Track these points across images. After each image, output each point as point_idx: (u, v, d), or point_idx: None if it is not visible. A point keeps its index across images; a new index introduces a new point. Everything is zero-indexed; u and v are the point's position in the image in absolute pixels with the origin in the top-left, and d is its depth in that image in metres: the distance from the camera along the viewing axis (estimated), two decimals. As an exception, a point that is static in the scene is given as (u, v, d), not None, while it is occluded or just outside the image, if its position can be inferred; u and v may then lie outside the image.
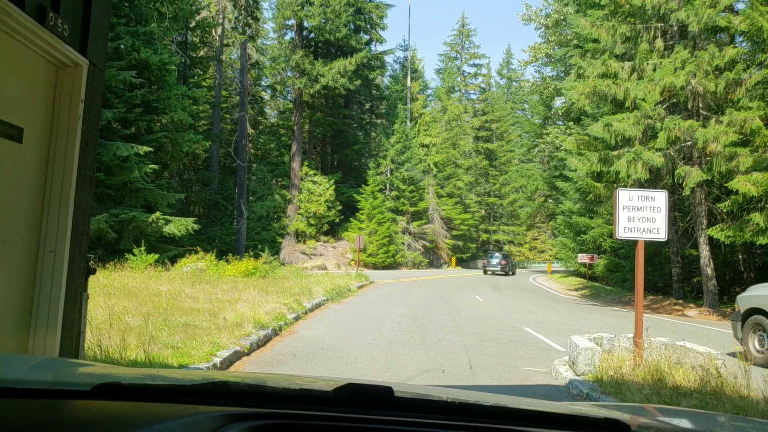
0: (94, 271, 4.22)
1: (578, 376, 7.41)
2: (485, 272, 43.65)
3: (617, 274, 29.48)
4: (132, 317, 9.01)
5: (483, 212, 62.75)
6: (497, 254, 44.91)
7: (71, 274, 3.74)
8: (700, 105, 18.68)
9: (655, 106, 18.30)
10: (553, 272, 49.51)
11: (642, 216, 7.83)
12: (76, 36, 3.70)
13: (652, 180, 19.95)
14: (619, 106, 19.68)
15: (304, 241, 42.99)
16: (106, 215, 20.14)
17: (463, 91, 69.35)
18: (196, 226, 24.06)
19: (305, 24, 43.26)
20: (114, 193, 21.61)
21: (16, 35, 3.21)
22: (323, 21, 41.47)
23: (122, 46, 22.23)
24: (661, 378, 6.59)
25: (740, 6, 18.72)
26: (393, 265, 43.50)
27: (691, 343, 8.16)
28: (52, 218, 3.66)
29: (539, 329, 12.68)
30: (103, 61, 4.15)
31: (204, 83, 39.77)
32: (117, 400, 1.09)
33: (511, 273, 44.81)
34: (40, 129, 3.60)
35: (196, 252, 22.98)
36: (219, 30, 38.41)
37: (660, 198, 7.92)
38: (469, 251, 57.53)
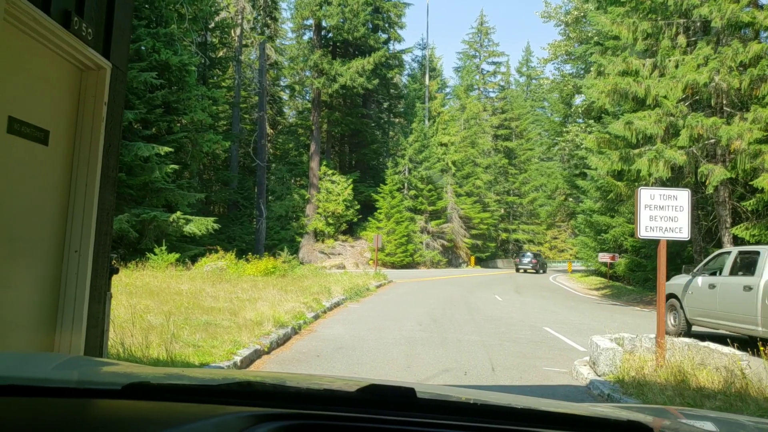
0: (117, 271, 4.29)
1: (599, 376, 7.35)
2: (517, 270, 46.33)
3: (639, 274, 29.13)
4: (154, 316, 9.12)
5: (502, 211, 62.43)
6: (529, 253, 48.22)
7: (95, 274, 3.80)
8: (724, 102, 18.39)
9: (677, 103, 18.05)
10: (573, 271, 49.12)
11: (664, 215, 7.74)
12: (99, 39, 3.76)
13: (674, 178, 19.69)
14: (640, 103, 19.45)
15: (323, 241, 43.14)
16: (127, 215, 20.39)
17: (482, 89, 69.09)
18: (216, 226, 24.27)
19: (323, 24, 43.38)
20: (135, 193, 21.88)
21: (42, 39, 3.27)
22: (341, 20, 41.56)
23: (143, 48, 22.49)
24: (684, 379, 6.51)
25: (765, 1, 18.42)
26: (411, 265, 43.47)
27: (715, 344, 8.06)
28: (76, 219, 3.72)
29: (559, 329, 12.59)
30: (126, 63, 4.21)
31: (223, 84, 40.10)
32: (146, 399, 1.11)
33: (541, 271, 47.20)
34: (64, 131, 3.66)
35: (217, 251, 23.18)
36: (238, 30, 38.69)
37: (682, 197, 7.83)
38: (489, 250, 57.28)
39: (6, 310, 3.25)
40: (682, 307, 12.20)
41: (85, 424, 1.00)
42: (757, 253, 10.52)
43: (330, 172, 44.01)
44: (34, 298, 3.50)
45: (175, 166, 22.64)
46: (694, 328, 12.03)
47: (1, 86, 2.91)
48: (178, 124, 24.84)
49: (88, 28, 3.51)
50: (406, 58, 54.50)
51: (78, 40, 3.43)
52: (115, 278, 4.32)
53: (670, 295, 12.64)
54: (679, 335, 11.50)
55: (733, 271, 11.01)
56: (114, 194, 4.09)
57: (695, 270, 12.30)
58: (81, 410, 1.07)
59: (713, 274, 11.62)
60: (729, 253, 11.62)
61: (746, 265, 10.75)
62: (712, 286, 11.29)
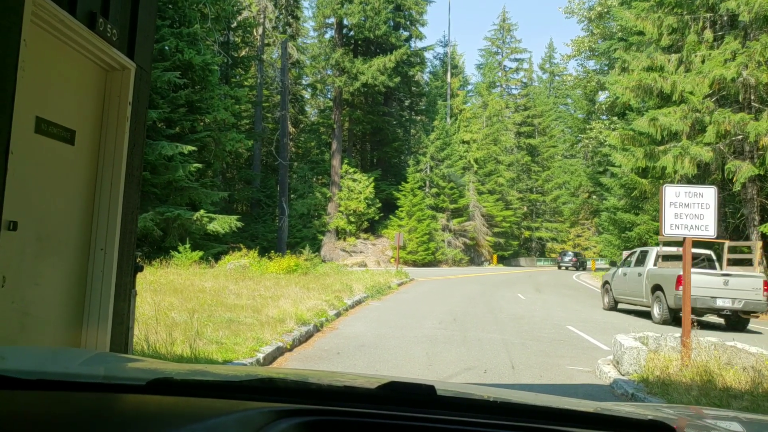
0: (141, 268, 4.35)
1: (623, 375, 7.27)
2: (559, 267, 51.26)
3: (664, 272, 28.70)
4: (178, 313, 9.22)
5: (525, 209, 62.01)
6: (570, 252, 53.23)
7: (120, 271, 3.86)
8: (752, 97, 18.05)
9: (703, 99, 17.77)
10: (597, 270, 48.67)
11: (689, 213, 7.62)
12: (124, 40, 3.81)
13: (701, 175, 19.39)
14: (665, 99, 19.21)
15: (345, 239, 43.26)
16: (152, 213, 20.65)
17: (504, 86, 68.66)
18: (239, 224, 24.48)
19: (345, 22, 43.48)
20: (159, 192, 22.14)
21: (67, 41, 3.32)
22: (363, 19, 41.58)
23: (166, 48, 22.74)
24: (710, 379, 6.41)
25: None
26: (433, 263, 43.40)
27: (742, 343, 7.92)
28: (102, 217, 3.78)
29: (583, 327, 12.48)
30: (150, 63, 4.26)
31: (246, 83, 40.37)
32: (170, 395, 1.12)
33: (581, 268, 51.01)
34: (90, 131, 3.72)
35: (240, 249, 23.38)
36: (260, 30, 38.93)
37: (709, 194, 7.70)
38: (511, 249, 56.94)
39: (35, 306, 3.32)
40: (611, 290, 16.95)
41: (111, 418, 1.02)
42: (647, 251, 15.80)
43: (351, 170, 44.10)
44: (62, 295, 3.56)
45: (199, 165, 22.87)
46: (620, 306, 17.13)
47: (29, 87, 2.97)
48: (201, 123, 25.09)
49: (112, 29, 3.56)
50: (428, 55, 54.52)
51: (103, 41, 3.48)
52: (139, 276, 4.38)
53: (606, 282, 17.60)
54: (610, 310, 16.96)
55: (636, 264, 15.74)
56: (138, 193, 4.14)
57: (619, 264, 17.49)
58: (107, 405, 1.09)
59: (628, 266, 16.22)
60: (635, 251, 16.42)
61: (642, 259, 15.52)
62: (624, 274, 16.25)
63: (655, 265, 14.67)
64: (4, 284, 2.91)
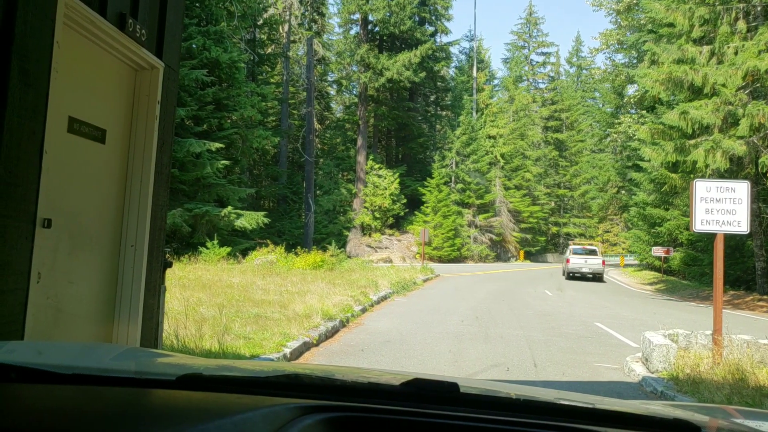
0: (170, 264, 4.41)
1: (652, 373, 7.17)
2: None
3: (694, 268, 28.24)
4: (206, 308, 9.35)
5: (552, 204, 61.32)
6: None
7: (150, 268, 3.93)
8: (787, 89, 17.59)
9: (736, 91, 17.37)
10: (625, 266, 47.97)
11: (721, 208, 7.47)
12: (152, 40, 3.87)
13: (733, 169, 18.98)
14: (696, 92, 18.80)
15: (370, 234, 43.30)
16: (180, 210, 20.92)
17: (531, 80, 67.94)
18: (266, 220, 24.69)
19: (370, 18, 43.41)
20: (187, 189, 22.42)
21: (98, 42, 3.39)
22: (388, 14, 41.52)
23: (194, 46, 22.98)
24: (742, 377, 6.29)
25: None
26: (459, 259, 43.24)
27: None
28: (132, 214, 3.85)
29: (611, 324, 12.34)
30: (177, 62, 4.32)
31: (272, 80, 40.61)
32: (199, 390, 1.15)
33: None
34: (120, 130, 3.79)
35: (267, 245, 23.56)
36: (286, 27, 39.13)
37: (741, 189, 7.53)
38: (538, 244, 56.42)
39: (68, 302, 3.40)
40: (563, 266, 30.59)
41: (143, 413, 1.05)
42: (569, 247, 30.29)
43: (377, 166, 44.10)
44: (94, 291, 3.64)
45: (226, 162, 23.11)
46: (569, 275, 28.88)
47: (62, 88, 3.04)
48: (229, 121, 25.33)
49: (141, 29, 3.62)
50: (454, 50, 54.07)
51: (132, 41, 3.55)
52: (168, 272, 4.45)
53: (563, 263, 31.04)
54: (563, 276, 29.07)
55: (566, 253, 30.42)
56: (167, 190, 4.21)
57: (566, 253, 30.98)
58: (139, 399, 1.12)
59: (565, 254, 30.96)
60: (569, 247, 30.47)
61: (567, 251, 30.27)
62: (564, 260, 30.05)
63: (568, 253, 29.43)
64: (40, 280, 2.98)
